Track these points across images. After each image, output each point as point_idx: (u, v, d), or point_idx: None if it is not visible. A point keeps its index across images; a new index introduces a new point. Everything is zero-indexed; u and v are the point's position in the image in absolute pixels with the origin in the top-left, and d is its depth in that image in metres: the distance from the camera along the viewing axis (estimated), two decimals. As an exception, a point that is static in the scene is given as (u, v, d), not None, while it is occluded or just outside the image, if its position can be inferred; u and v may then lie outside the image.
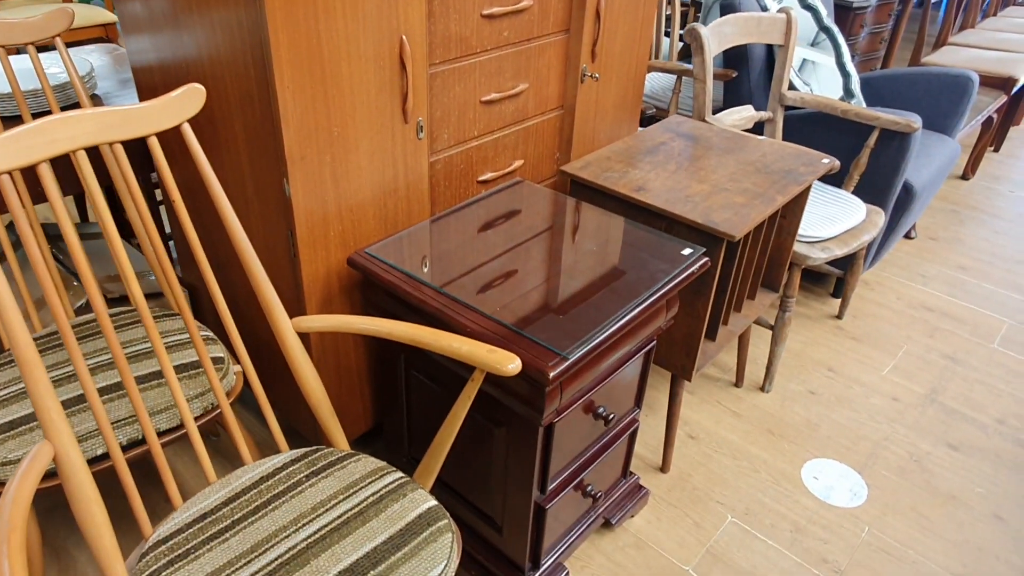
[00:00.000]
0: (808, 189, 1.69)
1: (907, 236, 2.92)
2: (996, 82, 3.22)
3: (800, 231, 1.91)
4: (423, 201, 1.48)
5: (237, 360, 1.48)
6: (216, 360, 1.29)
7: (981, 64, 3.30)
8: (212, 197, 1.09)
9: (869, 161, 2.18)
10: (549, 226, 1.42)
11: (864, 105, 2.62)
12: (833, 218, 1.97)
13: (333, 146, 1.25)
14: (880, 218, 2.09)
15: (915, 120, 2.03)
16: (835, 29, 2.61)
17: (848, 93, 2.62)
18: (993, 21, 4.13)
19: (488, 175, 1.63)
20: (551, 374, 1.03)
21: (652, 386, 2.07)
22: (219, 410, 1.26)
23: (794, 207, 1.73)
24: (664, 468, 1.80)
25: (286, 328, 1.10)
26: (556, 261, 1.30)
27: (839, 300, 2.49)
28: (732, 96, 2.43)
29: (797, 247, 1.88)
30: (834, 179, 2.31)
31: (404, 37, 1.26)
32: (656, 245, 1.37)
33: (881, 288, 2.58)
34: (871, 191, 2.21)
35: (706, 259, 1.35)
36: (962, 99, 2.53)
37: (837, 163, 1.71)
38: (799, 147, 1.77)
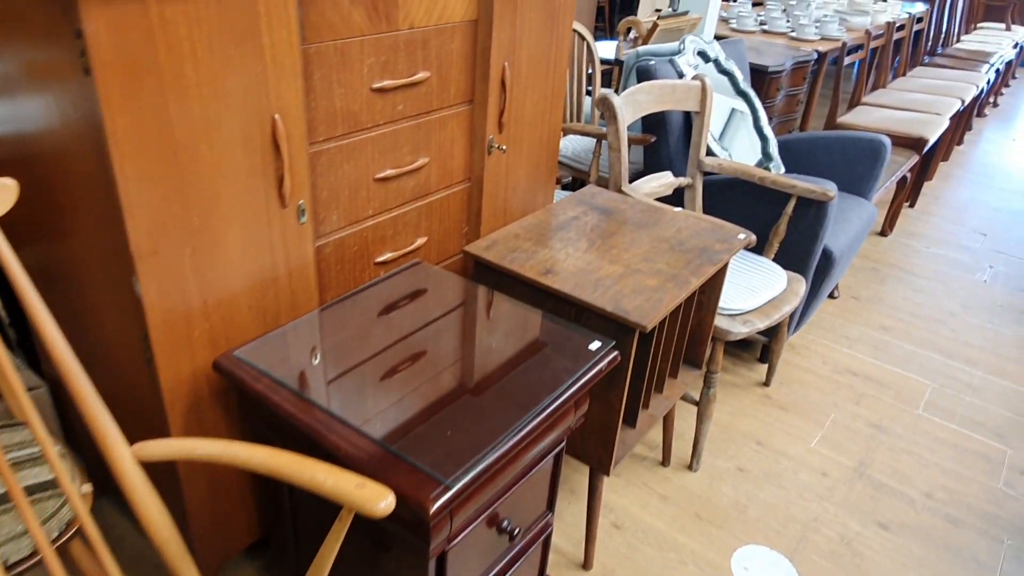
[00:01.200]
0: (725, 266, 1.63)
1: (830, 296, 2.92)
2: (908, 142, 3.31)
3: (720, 304, 1.84)
4: (309, 289, 1.34)
5: (89, 476, 1.29)
6: (42, 487, 1.11)
7: (893, 125, 3.38)
8: (24, 303, 0.93)
9: (788, 228, 2.15)
10: (445, 317, 1.30)
11: (783, 168, 2.62)
12: (754, 289, 1.92)
13: (195, 237, 1.10)
14: (801, 286, 2.05)
15: (831, 188, 2.01)
16: (751, 93, 2.62)
17: (767, 156, 2.62)
18: (903, 81, 4.29)
19: (387, 255, 1.50)
20: (432, 508, 0.90)
21: (574, 468, 1.95)
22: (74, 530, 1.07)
23: (713, 282, 1.65)
24: (586, 565, 1.66)
25: (121, 458, 0.94)
26: (449, 360, 1.17)
27: (766, 366, 2.44)
28: (652, 160, 2.38)
29: (718, 321, 1.81)
30: (755, 246, 2.27)
31: (277, 116, 1.14)
32: (563, 338, 1.26)
33: (807, 352, 2.54)
34: (791, 258, 2.18)
35: (616, 354, 1.25)
36: (876, 163, 2.55)
37: (753, 238, 1.65)
38: (715, 221, 1.71)
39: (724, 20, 4.07)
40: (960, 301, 2.96)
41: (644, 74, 2.27)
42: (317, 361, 1.15)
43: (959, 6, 5.69)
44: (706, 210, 2.30)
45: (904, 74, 4.51)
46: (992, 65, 5.00)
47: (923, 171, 3.72)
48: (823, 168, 2.66)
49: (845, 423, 2.20)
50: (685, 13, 3.20)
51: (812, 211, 2.08)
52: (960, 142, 5.02)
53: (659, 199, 2.30)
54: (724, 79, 2.58)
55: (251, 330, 1.26)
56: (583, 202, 1.73)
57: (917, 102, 3.80)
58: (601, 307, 1.30)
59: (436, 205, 1.59)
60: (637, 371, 1.49)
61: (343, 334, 1.23)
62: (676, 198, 2.34)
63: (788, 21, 3.92)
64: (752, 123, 2.63)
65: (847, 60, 3.49)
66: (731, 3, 4.16)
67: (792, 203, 2.08)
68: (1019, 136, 5.37)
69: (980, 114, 5.78)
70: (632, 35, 3.50)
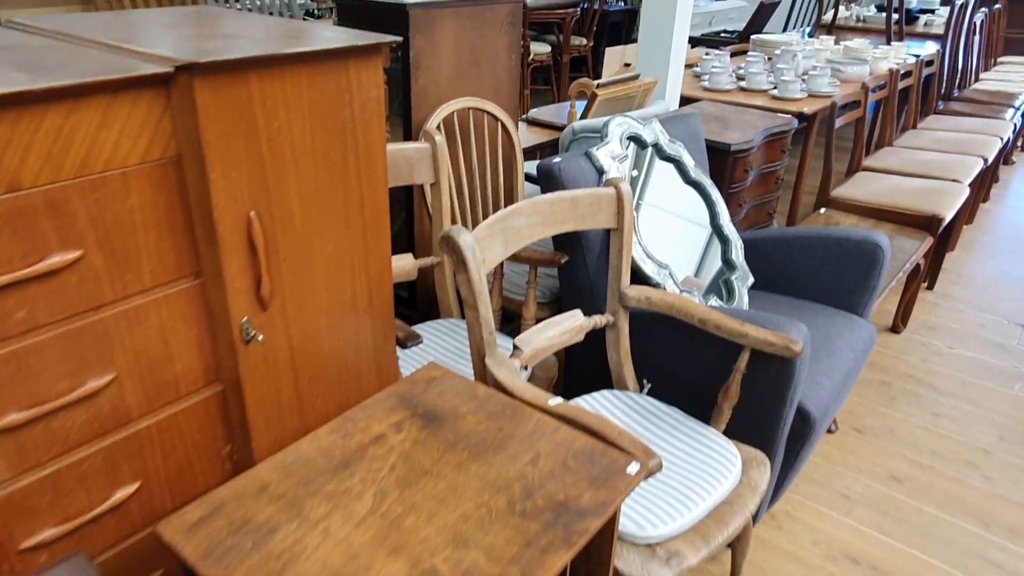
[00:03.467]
0: (610, 520, 1.03)
1: (828, 431, 2.29)
2: (919, 221, 2.70)
3: (628, 529, 1.24)
4: None
5: None
6: None
7: (900, 199, 2.78)
8: None
9: (743, 388, 1.55)
10: None
11: (750, 279, 2.03)
12: (688, 492, 1.31)
13: None
14: (762, 475, 1.44)
15: (796, 340, 1.42)
16: (706, 182, 2.04)
17: (728, 265, 2.03)
18: (913, 136, 3.69)
19: (46, 534, 0.93)
20: None
21: None
22: None
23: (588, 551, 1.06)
24: None
25: None
26: None
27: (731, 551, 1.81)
28: (568, 286, 1.81)
29: (621, 564, 1.21)
30: (701, 411, 1.66)
31: None
32: None
33: (791, 524, 1.91)
34: (751, 426, 1.58)
35: None
36: (870, 271, 1.95)
37: (659, 463, 1.06)
38: (604, 427, 1.12)
39: (697, 77, 3.52)
40: (996, 429, 2.31)
41: (545, 177, 1.71)
42: None
43: (975, 42, 5.09)
44: (638, 354, 1.71)
45: (914, 125, 3.91)
46: (1018, 109, 4.38)
47: (940, 250, 3.09)
48: (802, 278, 2.06)
49: (840, 655, 1.57)
50: (635, 77, 2.65)
51: (774, 366, 1.49)
52: (986, 199, 4.38)
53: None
54: (670, 167, 2.01)
55: None
56: (407, 401, 1.16)
57: (930, 165, 3.19)
58: None
59: (150, 434, 1.02)
60: None
61: None
62: (598, 340, 1.74)
63: (771, 76, 3.36)
64: (710, 221, 2.05)
65: (839, 122, 2.90)
66: (704, 57, 3.60)
67: (745, 356, 1.49)
68: (1054, 187, 4.70)
69: (1007, 162, 5.13)
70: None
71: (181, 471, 1.09)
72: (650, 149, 1.97)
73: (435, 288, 1.96)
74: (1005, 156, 5.09)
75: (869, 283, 1.96)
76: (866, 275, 1.95)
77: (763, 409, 1.54)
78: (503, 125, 2.24)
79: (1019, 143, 5.55)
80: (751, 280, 2.04)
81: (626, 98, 2.65)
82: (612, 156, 1.82)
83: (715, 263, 2.02)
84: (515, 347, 1.44)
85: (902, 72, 3.64)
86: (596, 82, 2.59)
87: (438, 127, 2.07)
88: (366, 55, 1.10)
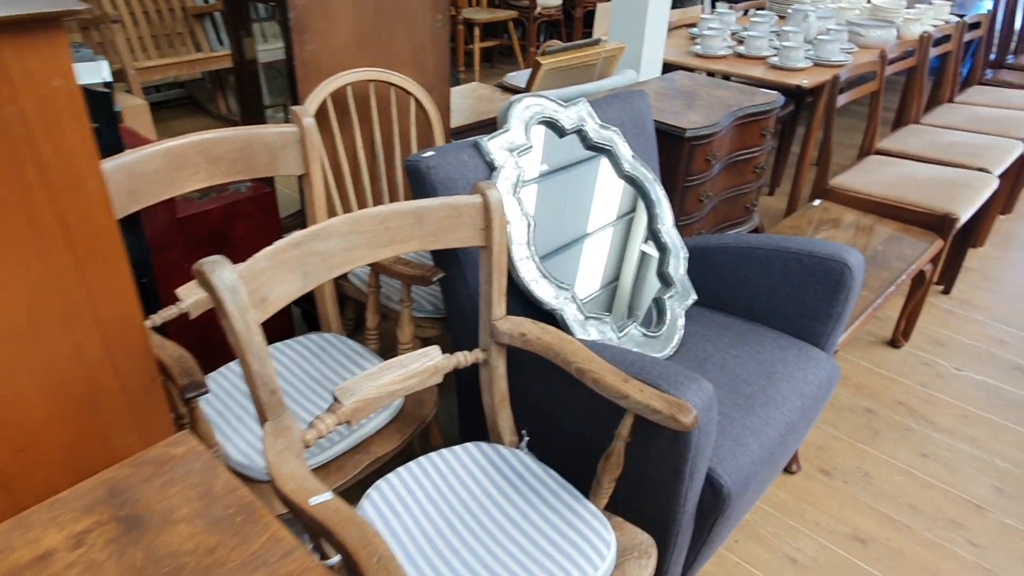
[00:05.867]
0: None
1: (787, 470, 1.95)
2: (929, 220, 2.28)
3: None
4: None
5: None
6: None
7: (908, 191, 2.36)
8: None
9: (632, 457, 1.23)
10: None
11: (691, 296, 1.68)
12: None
13: None
14: (645, 567, 1.14)
15: (686, 409, 1.08)
16: (645, 177, 1.69)
17: (663, 280, 1.68)
18: (946, 112, 3.20)
19: None
20: None
21: None
22: None
23: None
24: None
25: None
26: None
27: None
28: (450, 304, 1.50)
29: None
30: (586, 474, 1.34)
31: None
32: None
33: (719, 593, 1.60)
34: (644, 502, 1.26)
35: None
36: (836, 296, 1.58)
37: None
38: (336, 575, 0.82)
39: (693, 39, 3.09)
40: (995, 478, 1.94)
41: (413, 176, 1.38)
42: None
43: (1038, 1, 4.44)
44: (519, 399, 1.40)
45: (951, 99, 3.40)
46: (1079, 79, 3.81)
47: (961, 249, 2.66)
48: (757, 298, 1.70)
49: None
50: (595, 42, 2.26)
51: (667, 433, 1.16)
52: (1032, 183, 3.85)
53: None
54: (600, 159, 1.66)
55: None
56: (115, 495, 0.88)
57: (956, 149, 2.73)
58: None
59: None
60: None
61: None
62: (471, 378, 1.43)
63: (777, 40, 2.91)
64: (647, 224, 1.70)
65: (843, 99, 2.46)
66: (702, 16, 3.14)
67: (629, 421, 1.16)
68: (1117, 170, 4.12)
69: (1065, 138, 4.53)
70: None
71: None
72: (574, 137, 1.62)
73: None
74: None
75: (833, 311, 1.59)
76: (830, 300, 1.59)
77: (656, 483, 1.22)
78: (417, 101, 1.90)
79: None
80: (692, 298, 1.69)
81: (583, 67, 2.28)
82: (510, 147, 1.48)
83: (652, 279, 1.68)
84: (334, 399, 1.15)
85: (937, 37, 3.13)
86: (553, 48, 2.22)
87: (324, 104, 1.75)
88: (31, 31, 0.79)
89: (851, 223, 2.32)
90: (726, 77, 2.74)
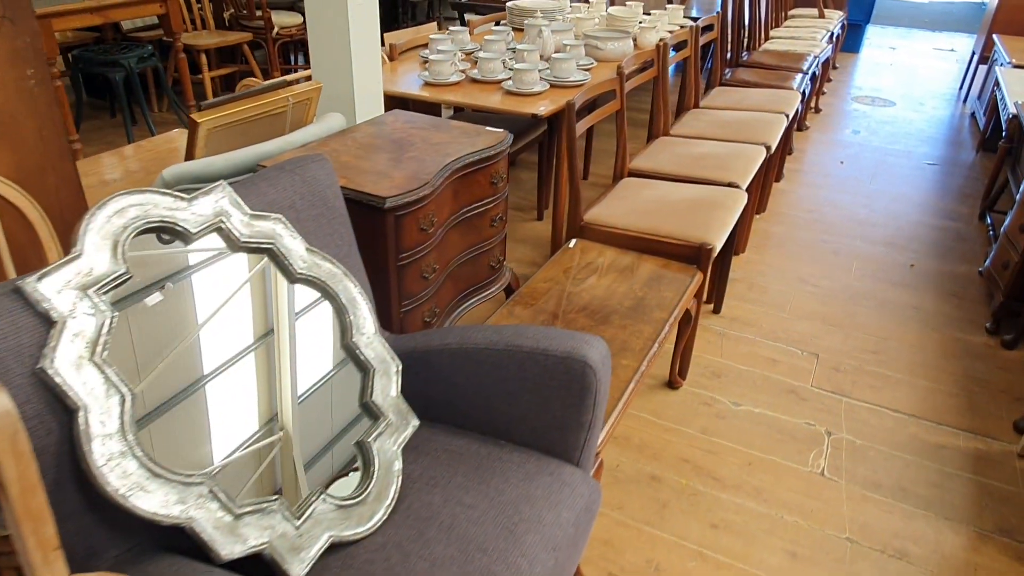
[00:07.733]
0: None
1: (569, 586, 1.63)
2: (685, 251, 2.09)
3: None
4: None
5: None
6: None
7: (663, 222, 2.15)
8: None
9: None
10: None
11: (411, 422, 1.28)
12: None
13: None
14: None
15: None
16: (325, 274, 1.26)
17: (370, 414, 1.27)
18: (691, 120, 3.11)
19: None
20: None
21: None
22: None
23: None
24: None
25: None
26: None
27: None
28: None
29: None
30: None
31: None
32: None
33: None
34: None
35: None
36: (582, 402, 1.26)
37: None
38: None
39: (425, 63, 2.73)
40: (786, 540, 1.76)
41: None
42: None
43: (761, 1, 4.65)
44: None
45: (696, 104, 3.35)
46: (806, 73, 3.98)
47: (722, 271, 2.54)
48: (496, 410, 1.34)
49: None
50: (283, 84, 1.79)
51: None
52: (779, 178, 3.98)
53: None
54: (267, 265, 1.20)
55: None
56: None
57: (705, 161, 2.60)
58: None
59: None
60: None
61: None
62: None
63: (509, 63, 2.63)
64: (339, 342, 1.28)
65: (582, 127, 2.22)
66: (432, 37, 2.79)
67: None
68: (847, 159, 4.41)
69: (801, 128, 4.81)
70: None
71: None
72: (196, 242, 1.16)
73: None
74: (799, 122, 4.75)
75: (583, 419, 1.28)
76: (577, 408, 1.27)
77: None
78: (2, 199, 1.33)
79: (812, 105, 5.28)
80: (412, 426, 1.30)
81: (266, 119, 1.80)
82: (83, 284, 0.98)
83: (348, 415, 1.26)
84: None
85: (674, 44, 3.04)
86: (216, 100, 1.73)
87: None
88: None
89: (610, 265, 2.07)
90: (459, 109, 2.40)
